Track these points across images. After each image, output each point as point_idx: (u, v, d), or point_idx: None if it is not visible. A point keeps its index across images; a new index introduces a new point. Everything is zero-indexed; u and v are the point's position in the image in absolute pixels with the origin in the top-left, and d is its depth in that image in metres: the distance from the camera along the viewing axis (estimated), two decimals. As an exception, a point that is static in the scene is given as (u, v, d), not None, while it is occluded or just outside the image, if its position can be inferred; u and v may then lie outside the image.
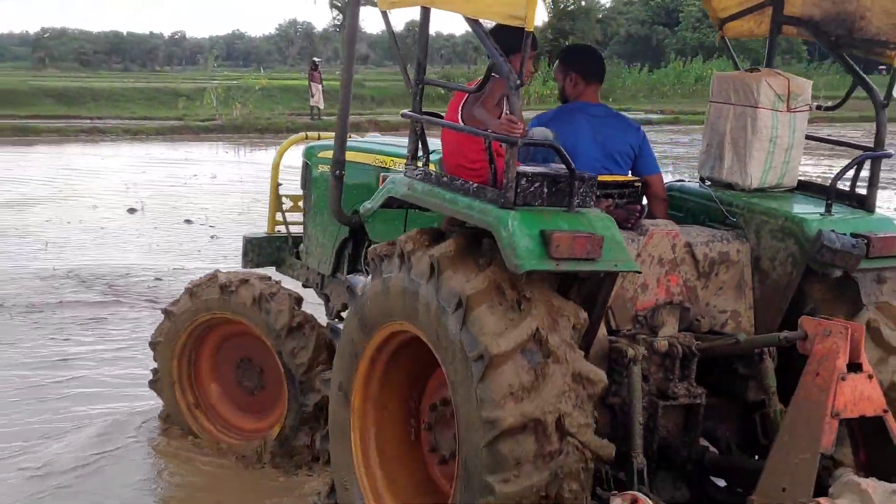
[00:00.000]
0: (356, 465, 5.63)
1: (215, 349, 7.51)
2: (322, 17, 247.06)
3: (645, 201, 5.88)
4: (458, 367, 4.74)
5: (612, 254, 4.71)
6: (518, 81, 4.69)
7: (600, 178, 5.42)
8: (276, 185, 8.08)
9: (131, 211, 18.36)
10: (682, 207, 6.04)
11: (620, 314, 5.39)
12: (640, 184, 5.81)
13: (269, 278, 7.22)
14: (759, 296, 5.65)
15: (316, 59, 42.27)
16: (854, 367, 4.56)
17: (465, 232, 5.02)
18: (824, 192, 5.73)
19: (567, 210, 4.80)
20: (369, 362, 5.55)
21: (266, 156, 30.49)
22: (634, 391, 5.06)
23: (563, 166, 4.83)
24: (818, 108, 6.19)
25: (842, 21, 5.73)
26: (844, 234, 5.29)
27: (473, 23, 5.03)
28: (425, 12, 5.36)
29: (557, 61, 6.10)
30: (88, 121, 36.44)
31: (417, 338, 5.17)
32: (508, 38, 4.89)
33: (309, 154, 7.80)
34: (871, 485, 4.35)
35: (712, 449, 5.54)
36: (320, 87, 39.68)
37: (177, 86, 48.26)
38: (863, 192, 5.75)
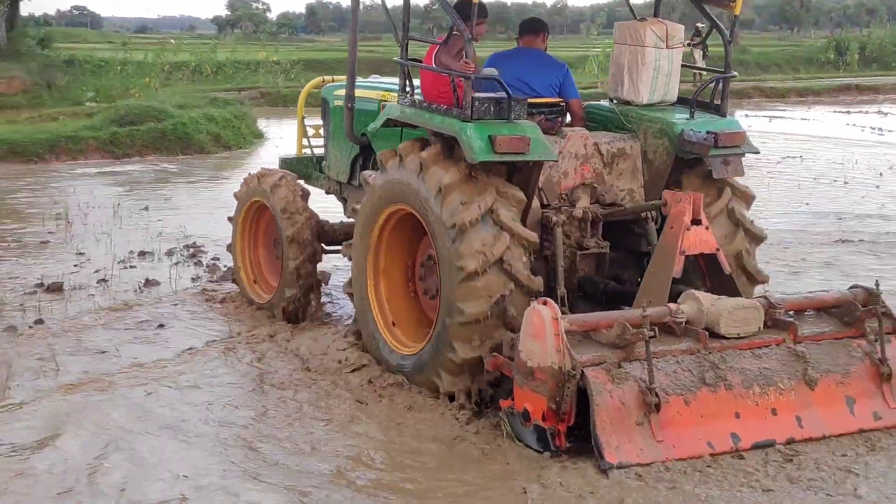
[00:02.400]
0: (372, 306, 7.85)
1: (266, 226, 9.69)
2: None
3: (569, 117, 8.26)
4: (441, 233, 6.97)
5: (538, 149, 6.93)
6: (470, 37, 7.12)
7: (535, 100, 7.78)
8: (301, 117, 10.45)
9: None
10: (595, 119, 8.34)
11: (549, 193, 7.72)
12: (563, 104, 8.14)
13: (295, 179, 9.33)
14: (647, 178, 8.01)
15: (699, 24, 41.38)
16: (696, 221, 6.95)
17: (442, 141, 7.15)
18: (684, 105, 8.12)
19: (507, 121, 6.96)
20: (378, 232, 7.80)
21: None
22: (558, 244, 7.42)
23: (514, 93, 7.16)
24: (688, 44, 8.16)
25: None
26: (700, 131, 7.54)
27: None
28: None
29: None
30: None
31: (410, 214, 7.41)
32: (464, 9, 7.28)
33: (327, 93, 10.06)
34: (703, 294, 6.83)
35: (615, 284, 7.80)
36: (701, 51, 38.84)
37: (558, 54, 48.92)
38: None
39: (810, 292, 7.80)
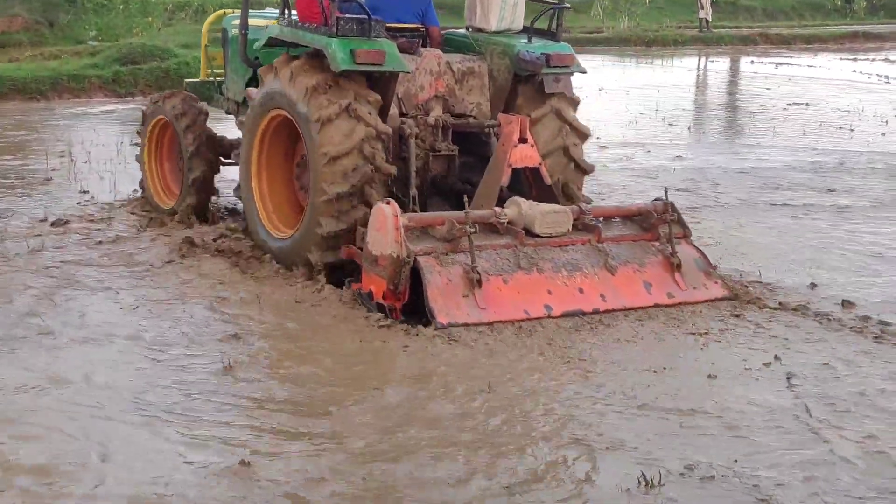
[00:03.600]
0: (257, 202, 9.11)
1: (170, 141, 10.87)
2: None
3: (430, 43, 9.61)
4: (308, 128, 8.25)
5: (392, 62, 8.22)
6: None
7: (397, 25, 9.28)
8: (205, 45, 11.52)
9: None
10: (452, 44, 9.73)
11: (408, 104, 9.00)
12: (423, 30, 9.63)
13: (194, 99, 10.50)
14: (492, 94, 9.31)
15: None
16: (523, 140, 8.35)
17: (310, 54, 8.41)
18: (535, 33, 9.33)
19: (367, 38, 8.18)
20: (261, 136, 9.06)
21: (653, 69, 30.08)
22: (411, 149, 8.61)
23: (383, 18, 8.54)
24: None
25: None
26: (534, 52, 8.90)
27: None
28: None
29: None
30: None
31: (287, 119, 8.63)
32: None
33: (226, 23, 10.87)
34: (522, 200, 8.20)
35: (462, 184, 8.96)
36: (710, -1, 38.62)
37: (564, -2, 48.47)
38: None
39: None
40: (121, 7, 31.12)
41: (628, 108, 20.29)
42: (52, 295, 8.07)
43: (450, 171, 9.06)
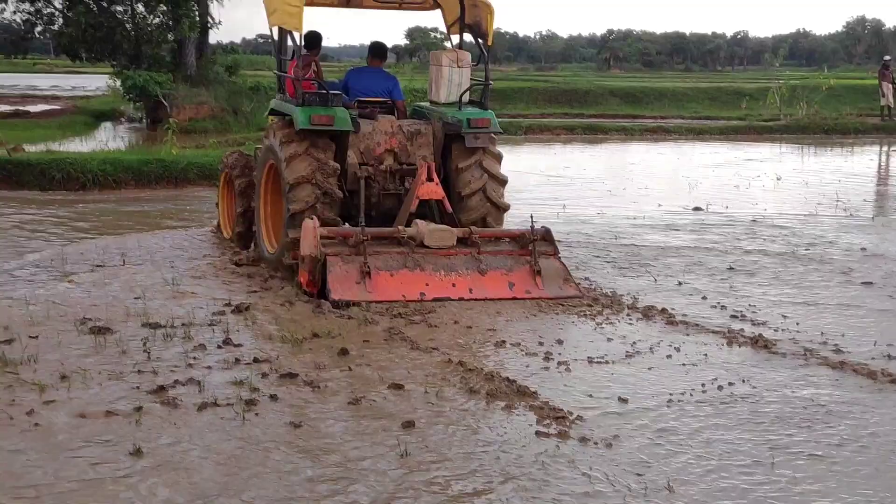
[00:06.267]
0: (262, 224, 12.48)
1: (230, 188, 14.21)
2: (893, 13, 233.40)
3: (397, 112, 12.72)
4: (280, 167, 11.44)
5: (340, 123, 11.25)
6: (306, 54, 11.94)
7: (369, 98, 12.61)
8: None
9: (696, 210, 18.09)
10: (416, 114, 12.73)
11: (367, 156, 12.00)
12: (390, 102, 12.76)
13: (246, 157, 13.97)
14: (434, 149, 12.13)
15: (887, 56, 40.09)
16: (430, 179, 11.44)
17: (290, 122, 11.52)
18: (469, 103, 12.20)
19: (325, 107, 11.23)
20: (266, 176, 12.34)
21: (831, 157, 29.35)
22: (361, 190, 11.78)
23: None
24: (474, 64, 12.42)
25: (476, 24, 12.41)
26: (458, 118, 11.80)
27: (278, 30, 12.34)
28: (278, 30, 12.39)
29: None
30: (652, 120, 37.24)
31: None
32: (309, 42, 12.40)
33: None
34: (421, 221, 11.21)
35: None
36: (891, 86, 37.64)
37: (739, 85, 47.95)
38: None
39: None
40: (302, 95, 32.21)
41: (807, 198, 19.82)
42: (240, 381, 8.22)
43: (398, 206, 11.89)
